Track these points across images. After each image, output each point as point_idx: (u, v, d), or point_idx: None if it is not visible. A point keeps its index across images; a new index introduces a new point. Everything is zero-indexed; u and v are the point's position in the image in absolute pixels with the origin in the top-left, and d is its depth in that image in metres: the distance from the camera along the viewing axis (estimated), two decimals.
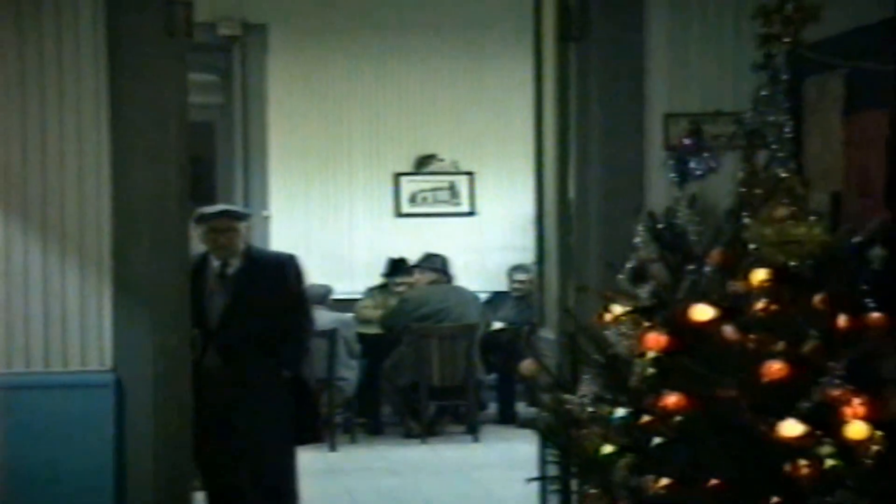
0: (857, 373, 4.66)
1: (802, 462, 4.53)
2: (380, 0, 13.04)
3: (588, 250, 6.54)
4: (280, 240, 12.45)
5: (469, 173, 14.04)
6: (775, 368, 4.60)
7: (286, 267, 8.03)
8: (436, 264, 12.72)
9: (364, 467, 10.93)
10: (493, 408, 12.95)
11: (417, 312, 12.14)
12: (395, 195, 13.98)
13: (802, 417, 4.56)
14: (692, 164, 5.14)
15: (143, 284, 6.31)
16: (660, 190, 6.08)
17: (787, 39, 4.93)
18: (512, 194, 12.94)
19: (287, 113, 13.58)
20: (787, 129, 4.93)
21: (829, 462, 4.52)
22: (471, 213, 14.08)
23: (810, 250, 4.79)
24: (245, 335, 7.68)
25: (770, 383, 4.60)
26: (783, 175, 4.90)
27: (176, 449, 6.59)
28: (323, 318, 11.35)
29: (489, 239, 13.57)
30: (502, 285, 13.47)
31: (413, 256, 13.04)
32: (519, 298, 13.07)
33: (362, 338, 12.26)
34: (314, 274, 11.32)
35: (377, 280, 13.12)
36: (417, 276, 12.75)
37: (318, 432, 8.43)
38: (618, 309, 4.98)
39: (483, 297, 12.95)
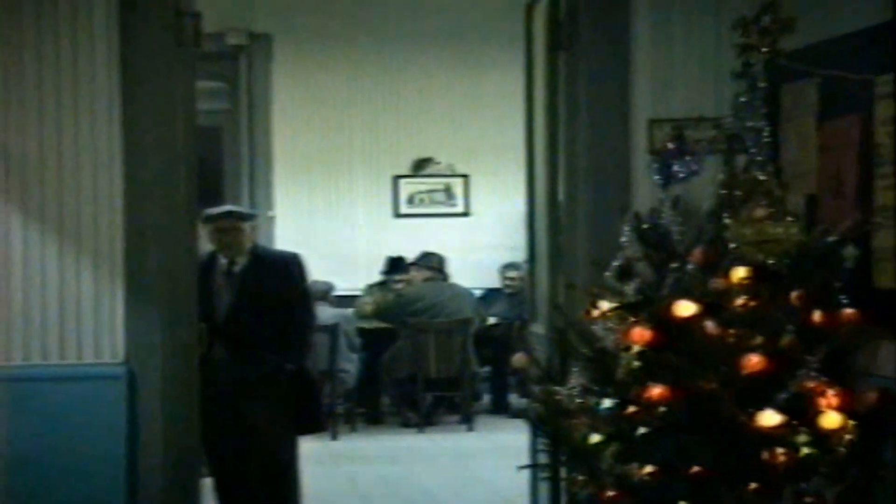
0: (831, 366, 4.67)
1: (779, 450, 4.54)
2: (379, 12, 13.04)
3: (576, 249, 6.53)
4: (284, 239, 12.45)
5: (464, 176, 14.05)
6: (754, 361, 4.61)
7: (290, 265, 8.02)
8: (431, 262, 12.72)
9: (364, 455, 10.93)
10: (486, 399, 12.96)
11: (412, 307, 12.15)
12: (394, 196, 13.99)
13: (780, 408, 4.57)
14: (675, 168, 5.14)
15: (153, 281, 6.30)
16: (645, 192, 6.07)
17: (764, 49, 4.94)
18: (504, 196, 12.93)
19: (291, 118, 13.58)
20: (764, 135, 4.94)
21: (805, 450, 4.53)
22: (465, 214, 14.09)
23: (787, 249, 4.80)
24: (250, 330, 7.67)
25: (749, 376, 4.61)
26: (761, 178, 4.91)
27: (185, 437, 6.58)
28: (325, 313, 11.36)
29: (483, 238, 13.57)
30: (495, 282, 13.47)
31: (411, 255, 13.05)
32: (511, 295, 13.08)
33: (362, 332, 12.27)
34: (316, 271, 11.31)
35: (377, 277, 13.12)
36: (414, 274, 12.75)
37: (320, 422, 8.42)
38: (605, 305, 4.98)
39: (477, 293, 12.95)
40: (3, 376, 6.16)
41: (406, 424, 12.24)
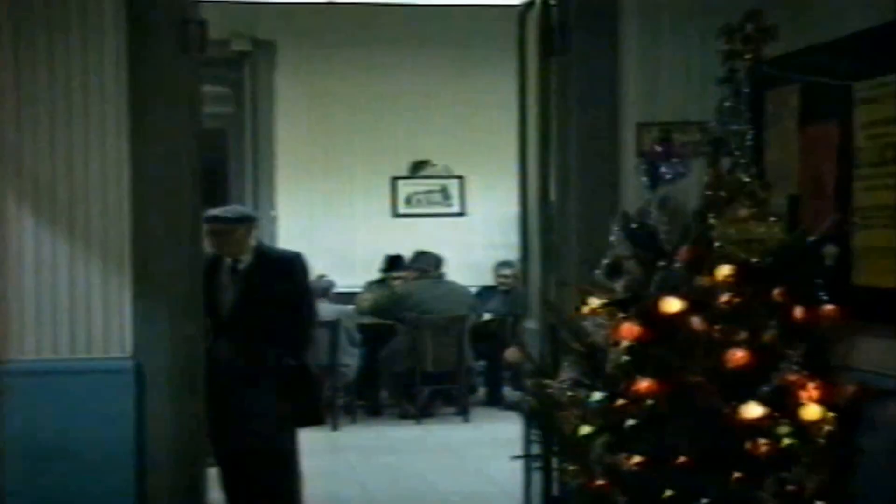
0: (811, 359, 4.68)
1: (762, 441, 4.55)
2: (378, 20, 13.04)
3: (568, 248, 6.53)
4: (286, 238, 12.45)
5: (460, 177, 14.06)
6: (738, 356, 4.62)
7: (293, 264, 8.01)
8: (422, 262, 12.73)
9: (364, 445, 10.93)
10: (481, 391, 12.95)
11: (404, 304, 12.17)
12: (392, 197, 13.99)
13: (762, 400, 4.58)
14: (663, 169, 5.14)
15: (160, 279, 6.31)
16: (633, 193, 6.08)
17: (748, 56, 4.95)
18: (499, 196, 12.92)
19: (293, 122, 13.58)
20: (748, 138, 4.95)
21: (786, 441, 4.54)
22: (461, 214, 14.10)
23: (770, 248, 4.81)
24: (253, 325, 7.66)
25: (733, 369, 4.62)
26: (745, 179, 4.92)
27: (191, 428, 6.58)
28: (326, 309, 11.36)
29: (478, 237, 13.58)
30: (490, 280, 13.48)
31: (408, 253, 13.05)
32: (505, 292, 13.08)
33: (362, 328, 12.27)
34: (317, 269, 11.34)
35: (376, 275, 13.12)
36: (407, 273, 12.81)
37: (320, 415, 8.41)
38: (595, 302, 4.98)
39: (472, 290, 12.95)
40: (17, 370, 6.18)
41: (404, 416, 12.24)
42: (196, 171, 6.64)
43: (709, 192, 4.98)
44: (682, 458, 4.63)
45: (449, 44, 13.34)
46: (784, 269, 4.80)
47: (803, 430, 4.55)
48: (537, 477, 6.75)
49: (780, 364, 4.64)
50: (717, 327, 4.70)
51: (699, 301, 4.75)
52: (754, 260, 4.77)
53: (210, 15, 6.89)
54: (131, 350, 6.25)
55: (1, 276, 6.19)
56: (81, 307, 6.23)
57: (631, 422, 4.72)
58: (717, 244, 4.82)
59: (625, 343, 4.76)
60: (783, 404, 4.58)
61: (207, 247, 7.57)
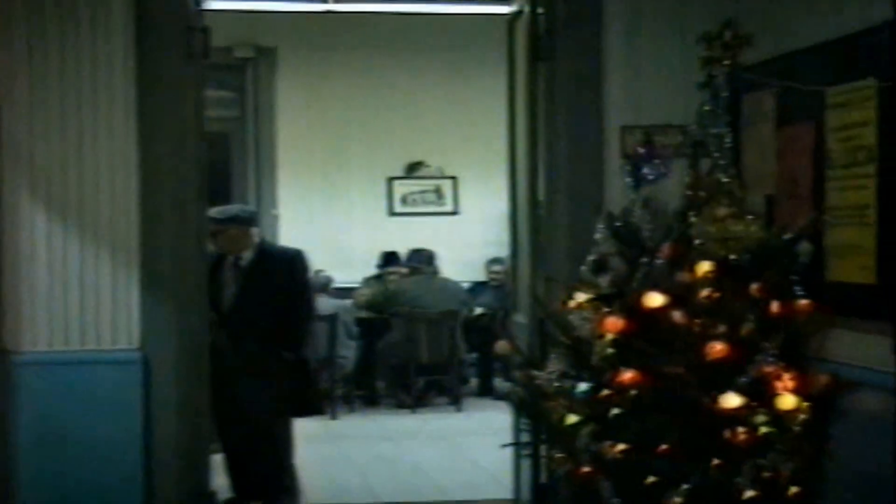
0: (787, 352, 4.68)
1: (740, 429, 4.53)
2: (374, 28, 13.03)
3: (555, 245, 6.53)
4: (287, 235, 12.43)
5: (453, 178, 14.05)
6: (717, 348, 4.61)
7: (293, 261, 8.01)
8: (417, 259, 12.73)
9: (361, 434, 10.93)
10: (473, 382, 12.94)
11: (397, 300, 12.17)
12: (388, 196, 13.98)
13: (740, 391, 4.57)
14: (645, 170, 5.13)
15: (166, 274, 6.31)
16: (617, 192, 6.07)
17: (726, 62, 4.94)
18: (490, 196, 12.89)
19: (293, 125, 13.57)
20: (727, 140, 4.93)
21: (763, 429, 4.53)
22: (454, 213, 14.09)
23: (747, 245, 4.80)
24: (252, 319, 7.66)
25: (712, 361, 4.61)
26: (724, 180, 4.91)
27: (195, 416, 6.59)
28: (325, 304, 11.36)
29: (470, 235, 13.56)
30: (481, 276, 13.47)
31: (404, 250, 13.05)
32: (496, 287, 13.07)
33: (359, 321, 12.27)
34: (317, 265, 11.32)
35: (373, 271, 13.12)
36: (400, 269, 12.82)
37: (318, 406, 8.42)
38: (581, 296, 4.96)
39: (465, 285, 12.95)
40: (30, 360, 6.19)
41: (400, 406, 12.24)
42: (201, 170, 6.64)
43: (689, 192, 4.97)
44: (664, 446, 4.62)
45: (442, 51, 13.34)
46: (761, 265, 4.79)
47: (779, 419, 4.54)
48: (526, 464, 6.75)
49: (757, 356, 4.63)
50: (697, 321, 4.69)
51: (680, 296, 4.74)
52: (733, 257, 4.76)
53: (214, 23, 6.90)
54: (138, 342, 6.25)
55: (15, 271, 6.20)
56: (91, 301, 6.23)
57: (615, 411, 4.71)
58: (697, 242, 4.81)
59: (609, 336, 4.75)
60: (760, 394, 4.58)
61: (210, 245, 7.59)
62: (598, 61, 6.49)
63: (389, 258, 13.05)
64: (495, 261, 13.09)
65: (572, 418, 4.80)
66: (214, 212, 7.59)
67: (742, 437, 4.52)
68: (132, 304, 6.24)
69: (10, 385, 6.16)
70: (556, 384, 4.91)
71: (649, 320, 4.73)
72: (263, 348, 7.65)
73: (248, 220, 7.93)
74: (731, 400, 4.54)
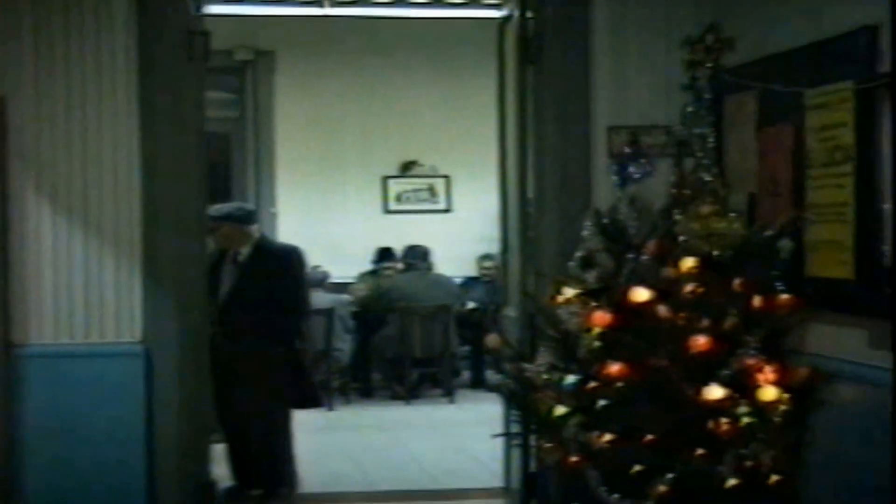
0: (768, 345, 4.69)
1: (723, 420, 4.55)
2: (370, 32, 12.99)
3: (544, 242, 6.52)
4: (286, 232, 12.40)
5: (446, 176, 14.02)
6: (701, 342, 4.62)
7: (289, 257, 8.00)
8: (412, 256, 12.71)
9: (357, 424, 10.90)
10: (466, 375, 12.92)
11: (390, 297, 12.15)
12: (383, 194, 13.95)
13: (723, 383, 4.58)
14: (631, 169, 5.14)
15: (168, 269, 6.30)
16: (604, 191, 6.07)
17: (709, 65, 4.95)
18: (482, 194, 12.80)
19: (292, 125, 13.54)
20: (710, 140, 4.94)
21: (745, 420, 4.54)
22: (447, 210, 14.06)
23: (730, 242, 4.81)
24: (246, 313, 7.66)
25: (696, 354, 4.62)
26: (707, 179, 4.92)
27: (196, 407, 6.59)
28: (321, 298, 11.35)
29: (462, 232, 13.53)
30: (473, 271, 13.45)
31: (398, 247, 13.04)
32: (487, 282, 13.04)
33: (355, 316, 12.25)
34: (314, 261, 11.31)
35: (368, 266, 13.10)
36: (394, 264, 12.82)
37: (313, 399, 8.39)
38: (569, 291, 4.97)
39: (457, 281, 12.94)
40: (36, 353, 6.19)
41: (394, 397, 12.21)
42: (201, 168, 6.63)
43: (674, 191, 4.98)
44: (649, 436, 4.63)
45: (435, 54, 13.32)
46: (743, 261, 4.80)
47: (761, 410, 4.55)
48: (516, 453, 6.74)
49: (740, 349, 4.65)
50: (681, 315, 4.70)
51: (665, 291, 4.75)
52: (716, 253, 4.77)
53: (215, 27, 6.89)
54: (141, 336, 6.25)
55: (22, 267, 6.19)
56: (95, 296, 6.22)
57: (602, 402, 4.72)
58: (681, 238, 4.82)
59: (596, 330, 4.75)
60: (742, 386, 4.59)
61: (211, 241, 7.59)
62: (586, 64, 6.48)
63: (384, 254, 13.03)
64: (486, 257, 13.07)
65: (560, 409, 4.81)
66: (212, 210, 7.59)
67: (725, 427, 4.53)
68: (134, 299, 6.23)
69: (16, 376, 6.15)
70: (545, 376, 4.92)
71: (635, 314, 4.74)
72: (257, 341, 7.65)
73: (243, 218, 7.91)
74: (715, 391, 4.55)
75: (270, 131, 13.62)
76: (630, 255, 4.90)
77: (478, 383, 12.65)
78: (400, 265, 12.78)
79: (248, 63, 13.50)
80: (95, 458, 6.13)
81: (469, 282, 13.31)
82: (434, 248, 12.93)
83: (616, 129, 6.34)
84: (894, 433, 4.24)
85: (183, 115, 6.39)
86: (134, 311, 6.23)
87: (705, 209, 4.84)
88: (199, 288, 6.67)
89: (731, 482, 4.54)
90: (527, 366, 5.05)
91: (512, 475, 6.99)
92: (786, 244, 4.88)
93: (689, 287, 4.69)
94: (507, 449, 6.98)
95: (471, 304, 12.71)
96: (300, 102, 13.54)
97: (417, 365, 12.18)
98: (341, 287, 12.52)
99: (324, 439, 9.81)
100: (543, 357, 4.99)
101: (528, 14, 6.62)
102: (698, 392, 4.57)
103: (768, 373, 4.57)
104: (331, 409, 11.27)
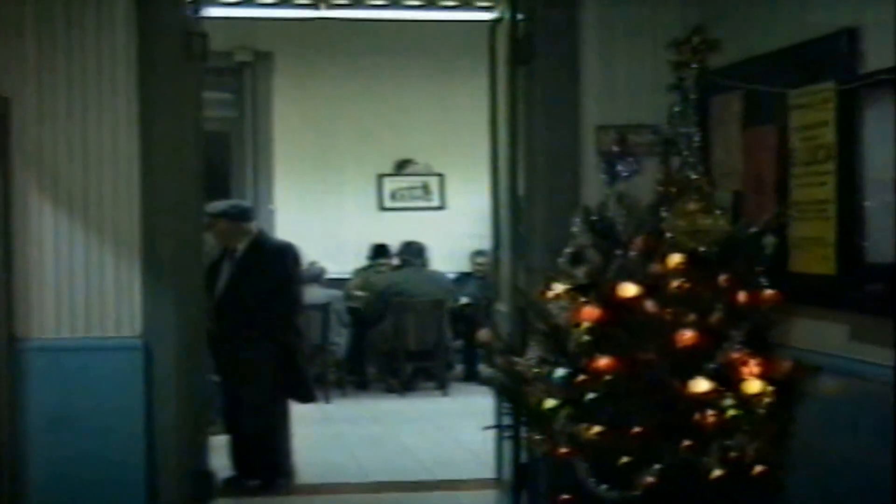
0: (753, 339, 4.68)
1: (709, 412, 4.54)
2: (365, 33, 12.98)
3: (534, 238, 6.51)
4: (283, 229, 12.37)
5: (440, 174, 14.01)
6: (687, 336, 4.61)
7: (282, 252, 8.00)
8: (407, 252, 12.69)
9: (353, 416, 10.90)
10: (459, 368, 12.92)
11: (387, 293, 12.13)
12: (379, 192, 13.94)
13: (709, 376, 4.57)
14: (619, 167, 5.13)
15: (166, 265, 6.29)
16: (593, 188, 6.06)
17: (695, 65, 4.94)
18: (475, 192, 12.77)
19: (289, 125, 13.53)
20: (696, 139, 4.93)
21: (730, 412, 4.53)
22: (441, 208, 14.05)
23: (716, 238, 4.80)
24: (241, 307, 7.66)
25: (683, 348, 4.61)
26: (693, 177, 4.91)
27: (194, 401, 6.57)
28: (318, 293, 11.34)
29: (456, 229, 13.51)
30: (467, 267, 13.44)
31: (393, 243, 13.02)
32: (480, 278, 13.03)
33: (351, 310, 12.24)
34: (311, 257, 11.30)
35: (363, 262, 13.09)
36: (388, 261, 12.82)
37: (309, 393, 8.37)
38: (559, 287, 4.96)
39: (451, 276, 12.93)
40: (38, 347, 6.18)
41: (389, 390, 12.21)
42: (199, 166, 6.61)
43: (661, 188, 4.97)
44: (637, 428, 4.61)
45: (429, 54, 13.31)
46: (728, 257, 4.79)
47: (745, 402, 4.54)
48: (507, 445, 6.74)
49: (725, 343, 4.64)
50: (668, 310, 4.69)
51: (652, 286, 4.74)
52: (702, 249, 4.76)
53: (215, 29, 6.88)
54: (140, 330, 6.24)
55: (24, 263, 6.19)
56: (96, 291, 6.21)
57: (591, 395, 4.71)
58: (668, 235, 4.80)
59: (585, 324, 4.74)
60: (728, 379, 4.58)
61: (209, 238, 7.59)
62: (575, 65, 6.47)
63: (379, 250, 13.02)
64: (479, 253, 13.05)
65: (550, 402, 4.80)
66: (208, 207, 7.58)
67: (710, 419, 4.52)
68: (134, 294, 6.22)
69: (19, 369, 6.15)
70: (535, 370, 4.91)
71: (623, 309, 4.73)
72: (251, 335, 7.65)
73: (238, 216, 7.91)
74: (701, 384, 4.54)
75: (269, 130, 13.61)
76: (618, 252, 4.88)
77: (471, 376, 12.63)
78: (395, 261, 12.77)
79: (247, 64, 13.49)
80: (96, 449, 6.12)
81: (462, 277, 13.30)
82: (428, 245, 12.91)
83: (604, 129, 6.33)
84: (895, 430, 4.24)
85: (181, 114, 6.38)
86: (133, 306, 6.22)
87: (691, 206, 4.83)
88: (197, 284, 6.65)
89: (717, 473, 4.53)
90: (518, 359, 5.04)
91: (503, 466, 6.99)
92: (770, 241, 4.87)
93: (675, 282, 4.68)
94: (499, 440, 6.97)
95: (464, 300, 12.70)
96: (298, 102, 13.53)
97: (412, 358, 12.17)
98: (337, 282, 12.51)
99: (320, 431, 9.80)
100: (534, 351, 4.98)
101: (519, 16, 6.61)
102: (685, 385, 4.56)
103: (753, 366, 4.56)
104: (327, 401, 11.26)
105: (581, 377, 4.72)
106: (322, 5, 11.57)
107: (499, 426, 6.61)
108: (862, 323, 4.95)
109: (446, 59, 13.10)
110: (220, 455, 7.63)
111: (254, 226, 8.10)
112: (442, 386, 12.11)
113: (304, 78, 13.50)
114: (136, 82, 6.20)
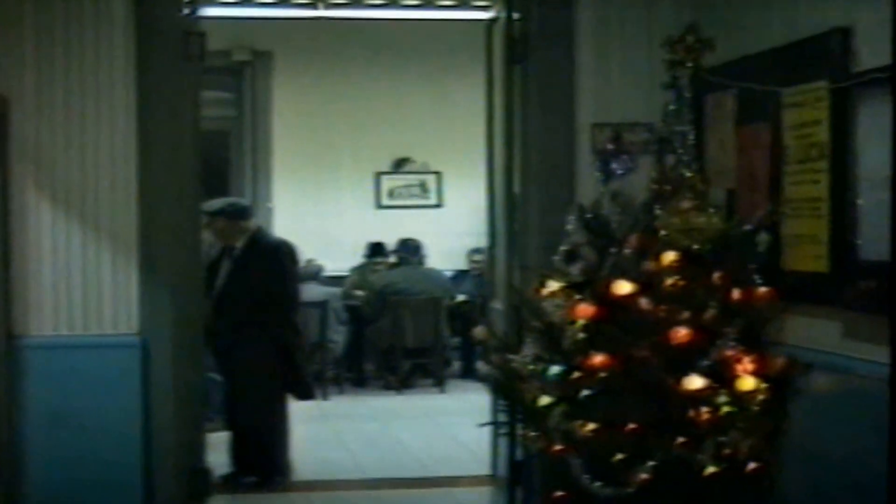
0: (747, 336, 4.66)
1: (703, 409, 4.52)
2: (364, 33, 12.98)
3: (529, 236, 6.50)
4: (281, 227, 12.35)
5: (437, 173, 14.01)
6: (681, 333, 4.59)
7: (278, 250, 7.99)
8: (405, 250, 12.68)
9: (350, 413, 10.89)
10: (456, 365, 12.91)
11: (385, 292, 12.12)
12: (376, 190, 13.94)
13: (703, 373, 4.56)
14: (614, 165, 5.11)
15: (164, 263, 6.28)
16: (588, 186, 6.05)
17: (689, 64, 4.92)
18: (472, 190, 12.70)
19: (288, 123, 13.53)
20: (690, 138, 4.92)
21: (724, 409, 4.52)
22: (438, 206, 14.04)
23: (710, 236, 4.78)
24: (238, 305, 7.66)
25: (677, 345, 4.59)
26: (687, 175, 4.89)
27: (191, 397, 6.56)
28: (315, 291, 11.33)
29: (453, 227, 13.51)
30: (463, 265, 13.43)
31: (391, 242, 13.01)
32: (477, 276, 13.02)
33: (348, 308, 12.23)
34: (308, 254, 11.29)
35: (361, 260, 13.08)
36: (385, 259, 12.82)
37: (307, 390, 8.35)
38: (554, 284, 4.94)
39: (448, 274, 12.91)
40: (36, 344, 6.17)
41: (387, 387, 12.20)
42: (197, 164, 6.60)
43: (655, 186, 4.95)
44: (631, 425, 4.60)
45: (426, 54, 13.30)
46: (722, 255, 4.78)
47: (739, 399, 4.52)
48: (503, 442, 6.73)
49: (719, 340, 4.62)
50: (662, 307, 4.68)
51: (647, 284, 4.72)
52: (696, 247, 4.74)
53: (214, 29, 6.89)
54: (138, 327, 6.23)
55: (23, 261, 6.18)
56: (93, 289, 6.20)
57: (586, 392, 4.70)
58: (662, 233, 4.79)
59: (580, 322, 4.73)
60: (722, 376, 4.56)
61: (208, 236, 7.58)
62: (570, 63, 6.47)
63: (376, 248, 13.00)
64: (476, 251, 13.03)
65: (545, 399, 4.78)
66: (206, 205, 7.57)
67: (705, 416, 4.50)
68: (131, 292, 6.21)
69: (17, 367, 6.14)
70: (531, 367, 4.89)
71: (618, 307, 4.71)
72: (250, 333, 7.64)
73: (235, 214, 7.90)
74: (695, 381, 4.52)
75: (267, 129, 13.61)
76: (613, 249, 4.87)
77: (468, 373, 12.63)
78: (392, 259, 12.75)
79: (246, 63, 13.49)
80: (93, 445, 6.11)
81: (459, 275, 13.29)
82: (425, 243, 12.90)
83: (599, 127, 6.33)
84: (892, 428, 4.21)
85: (179, 113, 6.37)
86: (131, 304, 6.21)
87: (685, 204, 4.81)
88: (194, 281, 6.64)
89: (711, 470, 4.51)
90: (513, 357, 5.02)
91: (499, 463, 6.97)
92: (763, 238, 4.86)
93: (669, 280, 4.66)
94: (495, 437, 6.96)
95: (461, 297, 12.68)
96: (296, 101, 13.52)
97: (409, 356, 12.16)
98: (335, 280, 12.50)
99: (317, 428, 9.79)
100: (529, 348, 4.97)
101: (515, 16, 6.61)
102: (679, 382, 4.54)
103: (747, 363, 4.54)
104: (325, 398, 11.24)
105: (576, 374, 4.70)
106: (320, 5, 11.56)
107: (494, 423, 6.59)
108: (855, 320, 4.94)
109: (443, 58, 13.10)
110: (218, 452, 7.61)
111: (252, 224, 8.09)
112: (439, 383, 12.10)
113: (303, 77, 13.49)
114: (135, 81, 6.19)
